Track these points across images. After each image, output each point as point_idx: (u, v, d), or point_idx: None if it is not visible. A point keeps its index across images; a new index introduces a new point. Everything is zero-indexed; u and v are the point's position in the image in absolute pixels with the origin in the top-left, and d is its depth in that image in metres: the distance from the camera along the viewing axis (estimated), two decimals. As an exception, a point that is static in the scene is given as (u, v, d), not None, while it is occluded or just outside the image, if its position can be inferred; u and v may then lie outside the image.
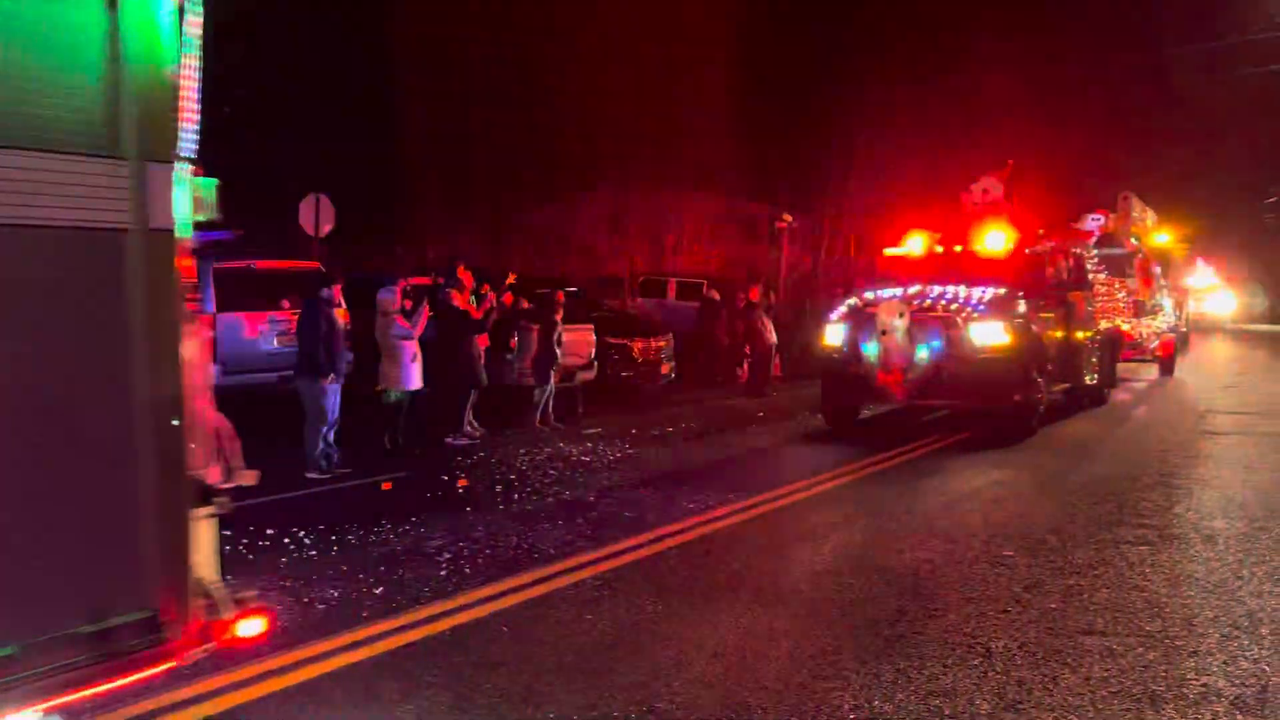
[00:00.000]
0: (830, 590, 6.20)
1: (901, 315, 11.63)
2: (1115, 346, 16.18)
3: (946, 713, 4.42)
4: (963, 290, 12.36)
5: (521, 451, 10.85)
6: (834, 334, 12.55)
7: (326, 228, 16.68)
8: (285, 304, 12.07)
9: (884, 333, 11.64)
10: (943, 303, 12.14)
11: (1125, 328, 17.30)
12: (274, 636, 5.37)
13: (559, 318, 12.73)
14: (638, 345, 15.79)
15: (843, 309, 12.81)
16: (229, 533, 7.26)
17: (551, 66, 26.71)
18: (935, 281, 12.71)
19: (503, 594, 6.11)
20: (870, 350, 11.83)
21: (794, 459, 11.08)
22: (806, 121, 28.72)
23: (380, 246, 24.67)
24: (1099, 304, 15.22)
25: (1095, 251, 16.32)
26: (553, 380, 12.58)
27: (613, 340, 15.31)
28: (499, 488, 9.15)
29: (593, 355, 14.31)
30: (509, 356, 12.78)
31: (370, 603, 5.96)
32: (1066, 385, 13.73)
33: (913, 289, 12.67)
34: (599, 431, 12.20)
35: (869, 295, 12.86)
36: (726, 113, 27.02)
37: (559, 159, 27.84)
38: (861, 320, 12.13)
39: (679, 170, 29.38)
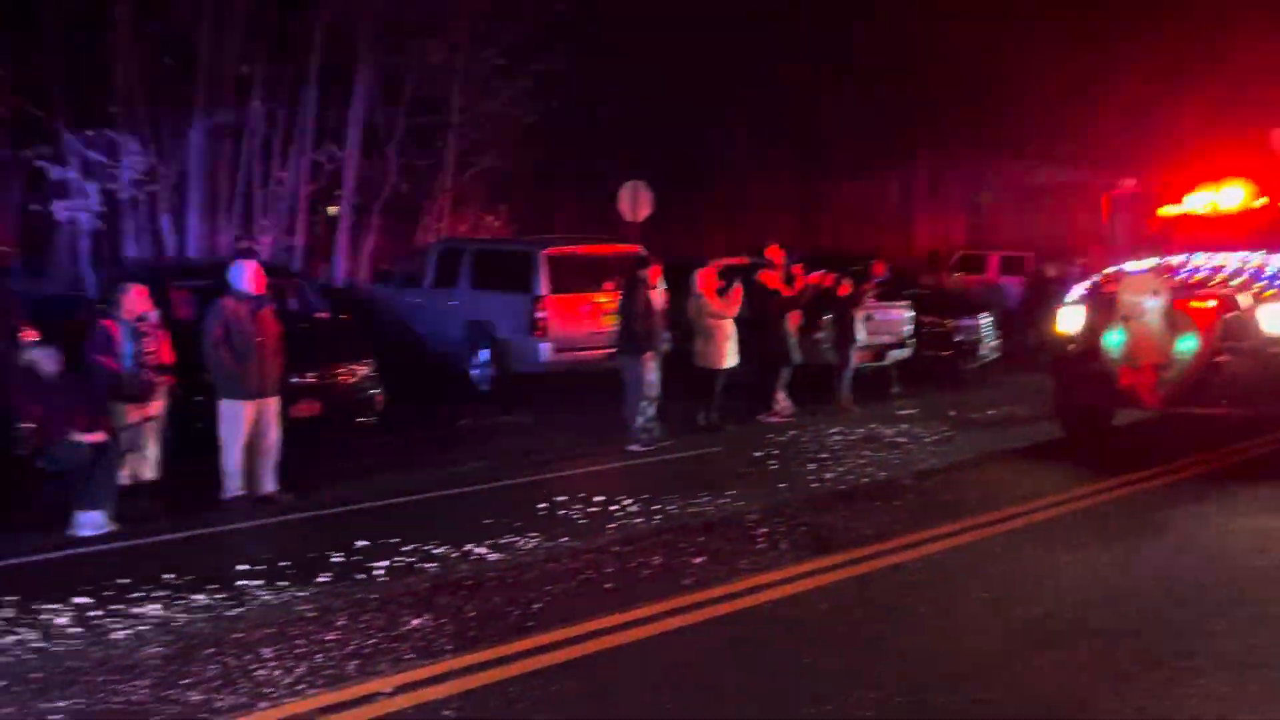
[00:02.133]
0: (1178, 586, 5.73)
1: (1155, 294, 8.93)
2: None
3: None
4: (1255, 259, 9.45)
5: (834, 430, 10.84)
6: (1068, 319, 10.04)
7: (644, 212, 17.39)
8: (608, 286, 12.75)
9: (1126, 318, 9.02)
10: (1220, 276, 9.37)
11: None
12: (606, 595, 5.79)
13: (865, 290, 12.51)
14: (952, 324, 15.20)
15: (1081, 288, 10.28)
16: (561, 497, 7.87)
17: (864, 34, 26.16)
18: (1249, 247, 9.79)
19: (814, 572, 6.18)
20: (1112, 341, 9.21)
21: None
22: (1140, 70, 25.89)
23: (694, 228, 25.38)
24: None
25: None
26: (853, 359, 12.41)
27: (928, 319, 14.85)
28: (811, 465, 9.21)
29: (908, 334, 13.97)
30: (819, 335, 12.76)
31: (691, 571, 6.24)
32: None
33: (1176, 259, 9.93)
34: (914, 412, 11.93)
35: (1121, 269, 10.11)
36: (1049, 73, 25.23)
37: (872, 130, 27.25)
38: (1101, 301, 9.56)
39: (999, 136, 27.85)
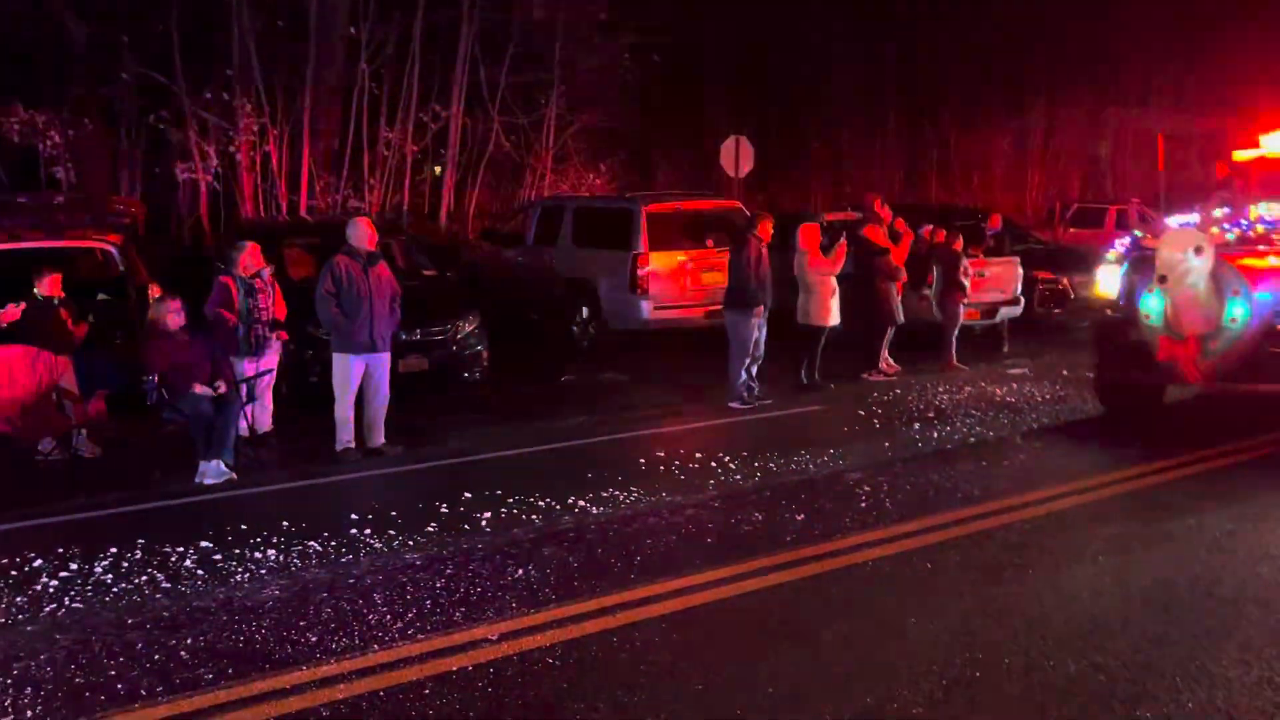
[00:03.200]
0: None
1: (1199, 252, 7.37)
2: None
3: None
4: None
5: (940, 389, 10.60)
6: (1109, 279, 8.91)
7: (746, 168, 17.19)
8: (709, 242, 12.65)
9: (1163, 279, 7.45)
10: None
11: None
12: (708, 549, 5.80)
13: (958, 249, 12.13)
14: (1065, 281, 14.68)
15: (1121, 245, 9.22)
16: (662, 453, 7.90)
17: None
18: None
19: (919, 532, 6.09)
20: (1150, 306, 7.88)
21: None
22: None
23: (797, 183, 24.96)
24: None
25: None
26: (960, 317, 12.08)
27: (1040, 275, 14.36)
28: (916, 425, 9.04)
29: (1018, 290, 13.53)
30: (926, 292, 12.45)
31: (792, 528, 6.20)
32: None
33: (1219, 211, 8.73)
34: (1023, 372, 11.57)
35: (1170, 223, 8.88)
36: (1170, 14, 23.80)
37: (981, 79, 26.24)
38: (1144, 261, 8.26)
39: (1118, 83, 26.54)
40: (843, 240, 10.98)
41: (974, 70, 26.09)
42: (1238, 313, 7.54)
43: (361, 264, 8.25)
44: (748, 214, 11.75)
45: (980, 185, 27.00)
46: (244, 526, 6.34)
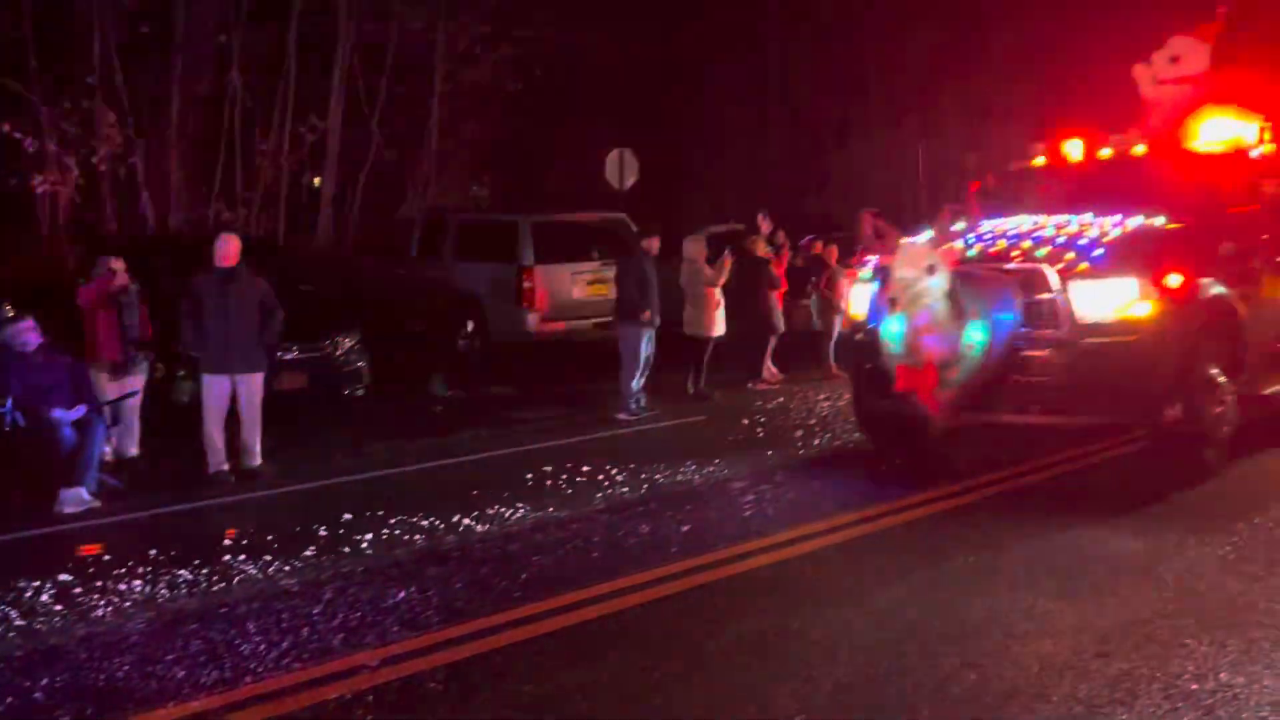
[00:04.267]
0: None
1: (932, 271, 6.66)
2: None
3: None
4: (1075, 222, 7.52)
5: (822, 397, 10.82)
6: (860, 299, 7.96)
7: (631, 180, 17.26)
8: (595, 255, 12.67)
9: (893, 301, 6.82)
10: (1025, 245, 7.32)
11: None
12: (594, 564, 5.76)
13: (834, 263, 12.43)
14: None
15: (875, 260, 7.94)
16: (548, 468, 7.84)
17: None
18: (1077, 207, 7.76)
19: (799, 539, 6.17)
20: (890, 331, 6.99)
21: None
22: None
23: (680, 196, 25.17)
24: None
25: None
26: (838, 326, 12.38)
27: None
28: (799, 433, 9.19)
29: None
30: (805, 303, 12.72)
31: (678, 539, 6.22)
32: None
33: (989, 225, 7.97)
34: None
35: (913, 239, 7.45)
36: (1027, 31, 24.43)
37: (857, 93, 26.84)
38: (886, 279, 7.29)
39: (984, 97, 27.55)
40: (728, 252, 11.14)
41: (842, 83, 26.71)
42: (976, 337, 6.77)
43: (222, 280, 7.98)
44: (634, 227, 11.82)
45: (864, 197, 27.64)
46: (107, 557, 6.03)
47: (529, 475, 7.74)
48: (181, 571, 5.79)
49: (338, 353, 9.94)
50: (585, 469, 7.85)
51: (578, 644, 4.75)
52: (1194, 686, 4.02)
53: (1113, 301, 6.81)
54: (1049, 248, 7.17)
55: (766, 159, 27.20)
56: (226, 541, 6.27)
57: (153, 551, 6.09)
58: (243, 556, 6.04)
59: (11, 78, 15.45)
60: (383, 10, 18.52)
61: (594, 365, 10.71)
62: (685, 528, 6.44)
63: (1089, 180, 8.48)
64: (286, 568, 5.86)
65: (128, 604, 5.36)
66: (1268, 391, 7.78)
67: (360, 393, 10.14)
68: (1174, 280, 6.84)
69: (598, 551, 6.06)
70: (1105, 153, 8.57)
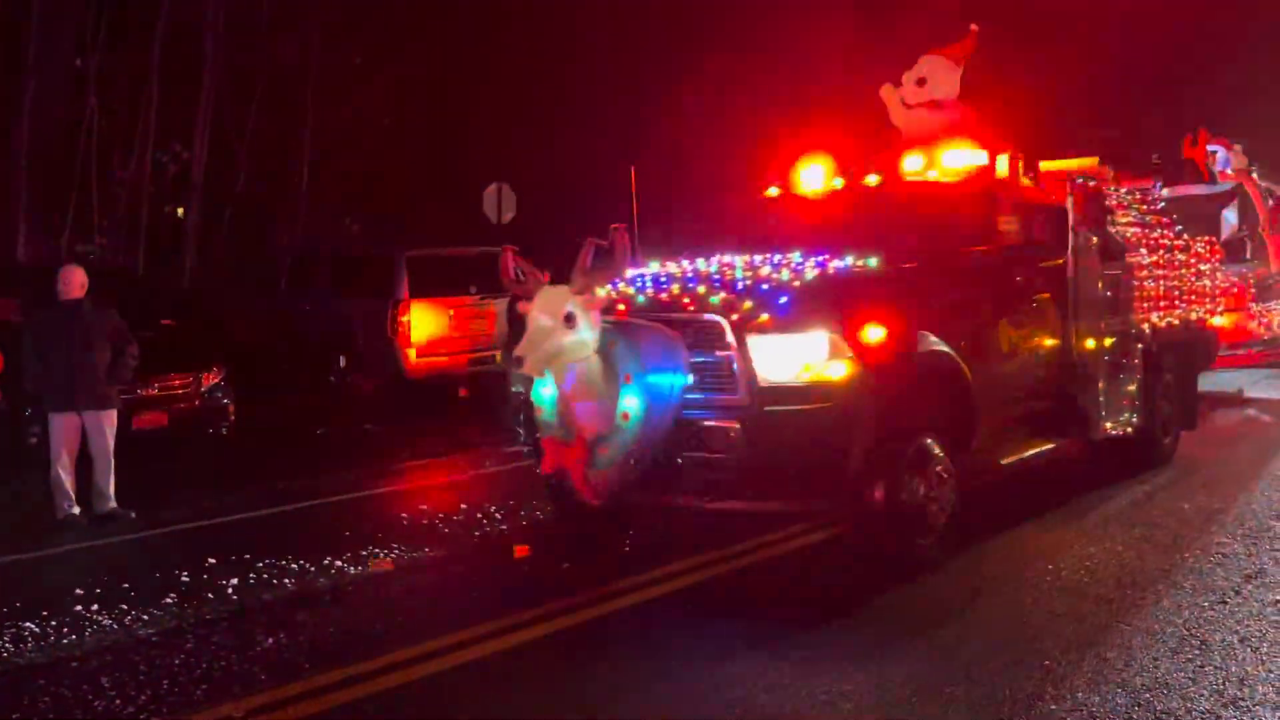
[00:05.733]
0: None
1: (570, 321, 5.33)
2: (1195, 354, 9.27)
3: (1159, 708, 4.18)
4: (760, 262, 6.31)
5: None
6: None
7: (509, 215, 17.20)
8: (473, 290, 12.54)
9: (519, 361, 5.33)
10: (701, 289, 5.84)
11: (1221, 320, 10.11)
12: (469, 607, 5.64)
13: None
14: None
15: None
16: (424, 506, 7.67)
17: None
18: (797, 244, 6.61)
19: (683, 573, 6.18)
20: (541, 395, 5.79)
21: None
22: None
23: (557, 228, 24.86)
24: (1150, 282, 8.36)
25: (1158, 192, 9.31)
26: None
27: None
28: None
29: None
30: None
31: (555, 577, 6.15)
32: (1046, 444, 7.09)
33: (660, 266, 6.76)
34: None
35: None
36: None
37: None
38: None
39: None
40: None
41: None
42: (632, 405, 5.34)
43: (66, 314, 7.60)
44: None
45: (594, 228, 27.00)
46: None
47: (404, 515, 7.56)
48: (28, 624, 5.42)
49: (200, 389, 9.55)
50: (463, 507, 7.70)
51: (453, 688, 4.64)
52: None
53: (799, 360, 5.45)
54: (724, 294, 5.72)
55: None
56: (78, 591, 5.91)
57: (-5, 603, 5.69)
58: (95, 606, 5.69)
59: None
60: (251, 41, 18.09)
61: (472, 401, 10.55)
62: (565, 565, 6.37)
63: (815, 214, 7.50)
64: (145, 616, 5.55)
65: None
66: (1006, 462, 6.67)
67: (225, 432, 9.76)
68: (874, 334, 5.59)
69: (476, 591, 5.94)
70: (837, 183, 7.57)
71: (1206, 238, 9.90)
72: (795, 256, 6.38)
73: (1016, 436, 6.94)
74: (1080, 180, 7.68)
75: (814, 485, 5.53)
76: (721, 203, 8.59)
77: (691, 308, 5.72)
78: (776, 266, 6.19)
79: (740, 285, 5.86)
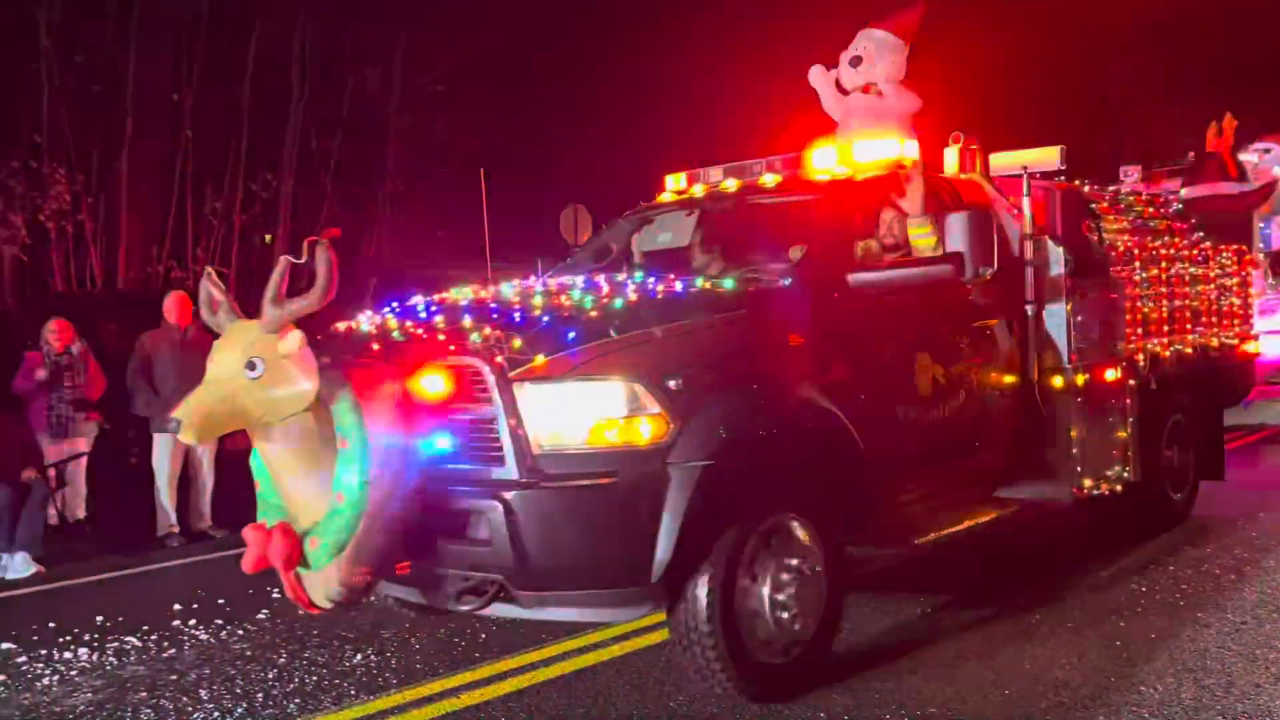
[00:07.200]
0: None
1: (253, 368, 3.88)
2: (1217, 388, 7.67)
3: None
4: (553, 285, 5.12)
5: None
6: None
7: (585, 235, 17.38)
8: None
9: (175, 422, 3.84)
10: (467, 321, 4.36)
11: (1260, 346, 8.31)
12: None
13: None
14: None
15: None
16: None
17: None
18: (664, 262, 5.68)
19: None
20: (256, 468, 4.40)
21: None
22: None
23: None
24: (1148, 301, 6.74)
25: (1177, 193, 8.24)
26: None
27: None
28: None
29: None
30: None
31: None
32: (989, 514, 5.50)
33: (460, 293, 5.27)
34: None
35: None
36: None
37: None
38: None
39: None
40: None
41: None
42: (351, 480, 3.92)
43: (176, 339, 7.91)
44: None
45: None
46: (52, 624, 5.87)
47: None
48: (129, 638, 5.64)
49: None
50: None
51: None
52: None
53: (587, 418, 4.03)
54: (490, 328, 4.22)
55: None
56: (176, 606, 6.13)
57: (100, 618, 5.93)
58: (193, 621, 5.90)
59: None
60: (336, 74, 18.65)
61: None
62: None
63: (700, 223, 6.04)
64: (240, 631, 5.73)
65: (74, 672, 5.20)
66: (925, 540, 5.04)
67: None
68: (696, 381, 4.14)
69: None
70: (729, 185, 6.06)
71: (1236, 246, 8.10)
72: (638, 277, 5.00)
73: (950, 504, 5.41)
74: (1036, 177, 6.09)
75: (610, 587, 4.06)
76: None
77: (452, 347, 4.21)
78: (590, 289, 4.74)
79: (516, 316, 4.36)
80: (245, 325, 4.01)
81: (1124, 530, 6.73)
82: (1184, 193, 8.62)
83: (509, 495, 3.99)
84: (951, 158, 6.16)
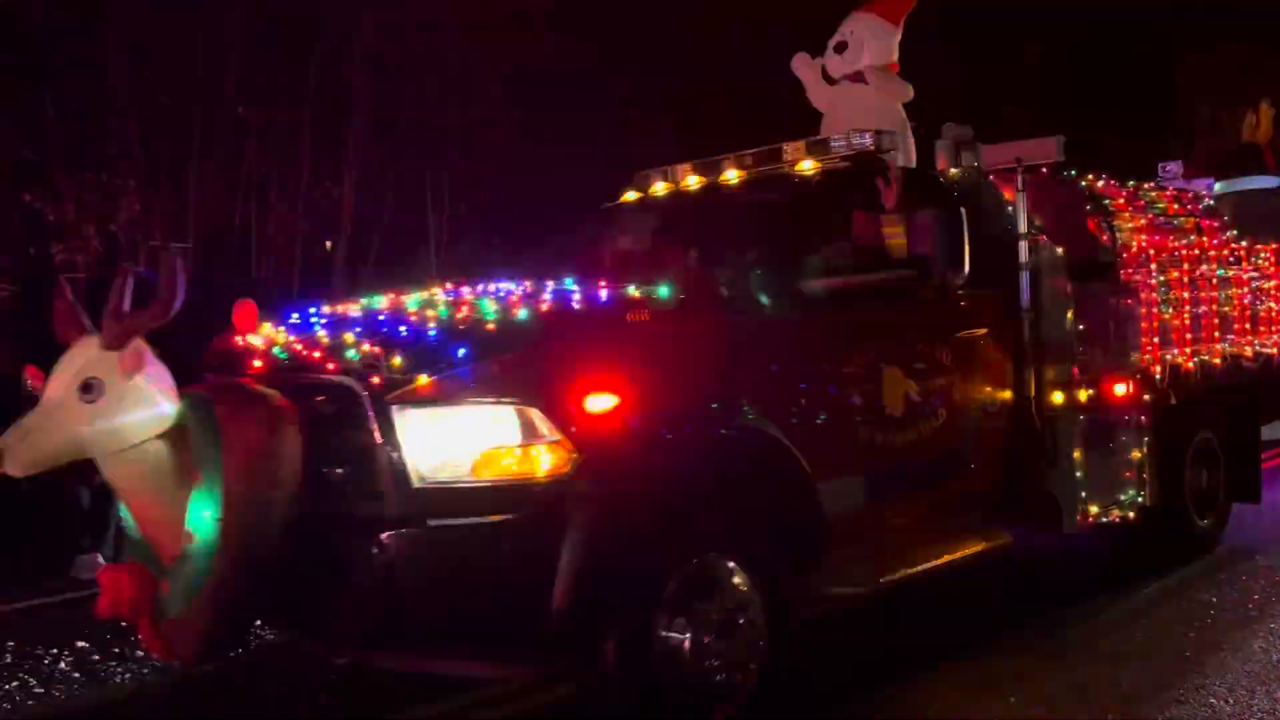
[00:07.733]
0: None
1: (89, 390, 3.51)
2: (1251, 402, 6.85)
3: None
4: (440, 298, 4.46)
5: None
6: None
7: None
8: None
9: (6, 451, 3.46)
10: (349, 338, 3.86)
11: None
12: None
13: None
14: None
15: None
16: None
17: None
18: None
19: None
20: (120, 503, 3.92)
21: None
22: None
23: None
24: (1167, 307, 6.08)
25: (1213, 188, 7.51)
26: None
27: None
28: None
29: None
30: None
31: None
32: (974, 545, 4.96)
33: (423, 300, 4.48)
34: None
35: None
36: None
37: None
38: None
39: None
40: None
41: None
42: (202, 517, 3.52)
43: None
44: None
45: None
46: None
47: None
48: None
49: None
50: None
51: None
52: None
53: (474, 446, 3.57)
54: (367, 345, 3.74)
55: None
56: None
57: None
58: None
59: (33, 149, 15.78)
60: (393, 86, 18.91)
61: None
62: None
63: (659, 225, 5.52)
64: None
65: (145, 670, 5.36)
66: (892, 579, 4.49)
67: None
68: (604, 404, 3.66)
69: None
70: (691, 181, 5.59)
71: (1275, 245, 7.33)
72: (568, 284, 4.38)
73: (930, 535, 4.86)
74: (1032, 168, 5.45)
75: (501, 641, 3.59)
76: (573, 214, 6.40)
77: (330, 366, 3.74)
78: (497, 298, 4.19)
79: (402, 330, 3.85)
80: (84, 342, 3.63)
81: (1137, 557, 6.02)
82: (1218, 188, 7.99)
83: (384, 536, 3.48)
84: (944, 151, 5.70)
